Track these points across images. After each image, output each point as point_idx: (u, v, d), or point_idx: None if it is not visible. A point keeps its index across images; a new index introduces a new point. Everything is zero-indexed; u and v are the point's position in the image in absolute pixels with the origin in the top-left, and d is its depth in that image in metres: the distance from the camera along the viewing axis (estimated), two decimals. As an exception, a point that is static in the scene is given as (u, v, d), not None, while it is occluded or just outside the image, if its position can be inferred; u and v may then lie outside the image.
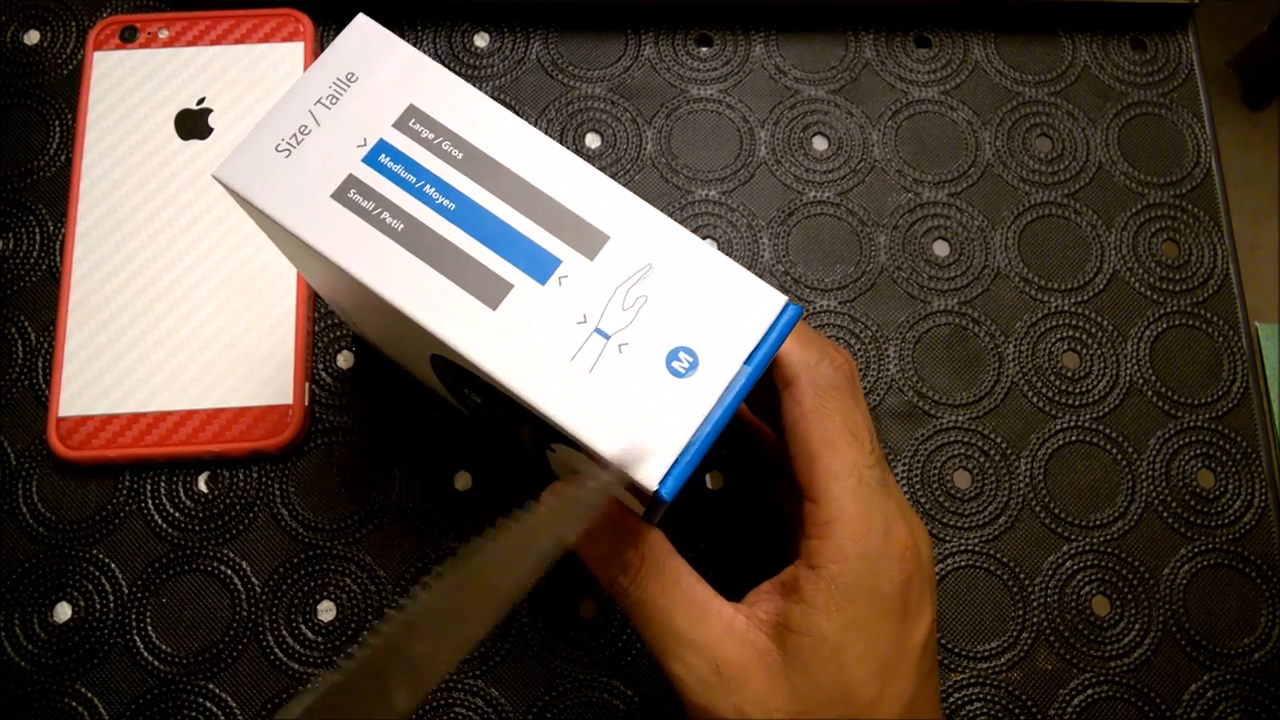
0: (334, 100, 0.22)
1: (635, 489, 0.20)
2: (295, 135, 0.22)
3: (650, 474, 0.20)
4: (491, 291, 0.21)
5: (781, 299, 0.21)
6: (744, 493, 0.33)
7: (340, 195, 0.21)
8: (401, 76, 0.22)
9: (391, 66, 0.22)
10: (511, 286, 0.21)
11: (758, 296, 0.21)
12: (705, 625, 0.23)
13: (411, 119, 0.22)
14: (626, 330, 0.21)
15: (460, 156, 0.22)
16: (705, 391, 0.20)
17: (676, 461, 0.20)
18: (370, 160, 0.22)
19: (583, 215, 0.21)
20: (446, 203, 0.21)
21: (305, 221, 0.21)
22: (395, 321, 0.22)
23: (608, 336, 0.21)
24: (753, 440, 0.31)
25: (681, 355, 0.20)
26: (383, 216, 0.21)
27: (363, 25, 0.23)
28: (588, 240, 0.21)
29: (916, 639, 0.23)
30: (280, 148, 0.22)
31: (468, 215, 0.21)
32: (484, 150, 0.22)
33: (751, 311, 0.21)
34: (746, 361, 0.21)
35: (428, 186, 0.21)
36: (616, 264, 0.21)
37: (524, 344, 0.20)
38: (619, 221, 0.21)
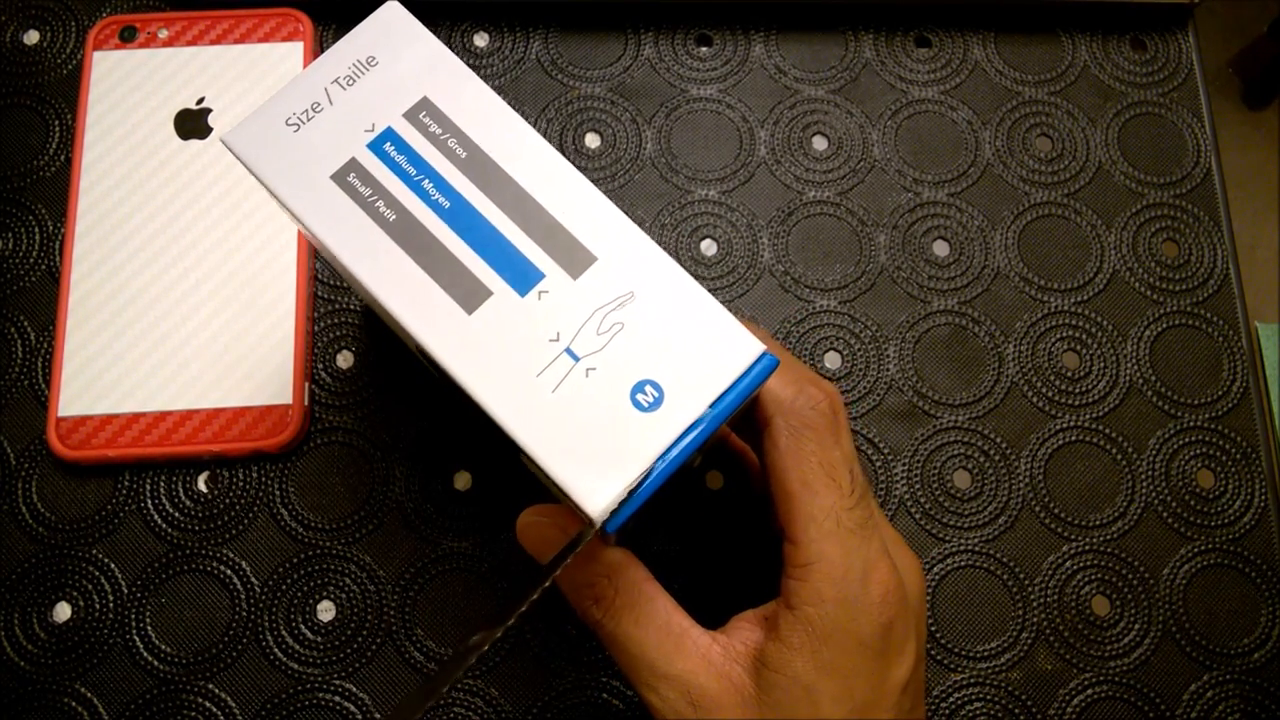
0: (350, 82, 0.22)
1: (580, 514, 0.20)
2: (307, 111, 0.22)
3: (595, 505, 0.19)
4: (470, 295, 0.21)
5: (759, 348, 0.21)
6: (746, 493, 0.33)
7: (340, 177, 0.21)
8: (421, 68, 0.22)
9: (413, 57, 0.22)
10: (490, 293, 0.21)
11: (735, 341, 0.21)
12: (681, 657, 0.23)
13: (423, 111, 0.22)
14: (597, 355, 0.20)
15: (464, 156, 0.22)
16: (665, 428, 0.20)
17: (625, 495, 0.20)
18: (375, 147, 0.22)
19: (575, 234, 0.21)
20: (442, 200, 0.21)
21: (301, 198, 0.21)
22: (380, 307, 0.22)
23: (577, 358, 0.20)
24: (738, 466, 0.30)
25: (648, 389, 0.20)
26: (377, 204, 0.21)
27: (393, 11, 0.23)
28: (575, 259, 0.21)
29: (897, 679, 0.23)
30: (290, 121, 0.22)
31: (460, 216, 0.21)
32: (489, 154, 0.22)
33: (726, 355, 0.21)
34: (712, 405, 0.20)
35: (426, 181, 0.21)
36: (599, 287, 0.21)
37: (493, 352, 0.20)
38: (610, 245, 0.21)
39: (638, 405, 0.20)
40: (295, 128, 0.22)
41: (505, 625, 0.20)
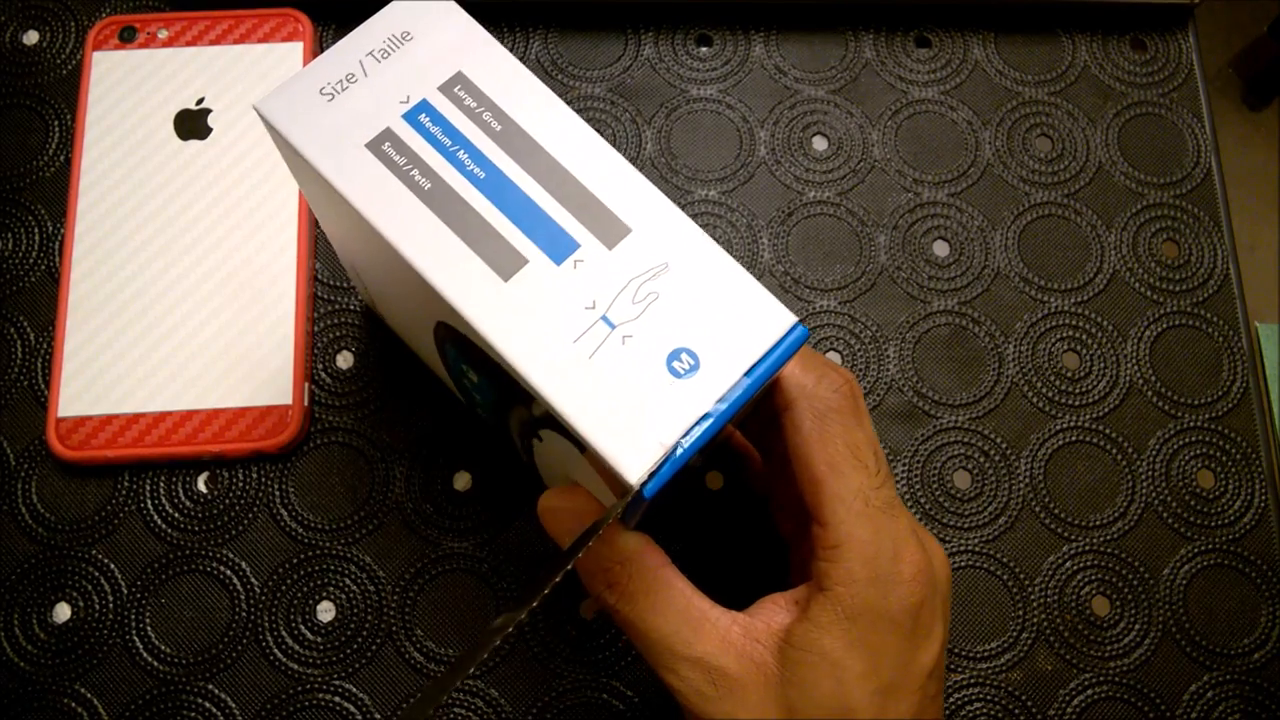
0: (385, 55, 0.22)
1: (616, 484, 0.20)
2: (342, 82, 0.22)
3: (633, 470, 0.20)
4: (506, 263, 0.21)
5: (791, 318, 0.21)
6: (746, 493, 0.33)
7: (374, 146, 0.22)
8: (456, 43, 0.22)
9: (448, 32, 0.23)
10: (526, 261, 0.21)
11: (768, 311, 0.21)
12: (700, 640, 0.23)
13: (457, 85, 0.22)
14: (633, 323, 0.21)
15: (499, 129, 0.22)
16: (701, 395, 0.20)
17: (662, 461, 0.20)
18: (410, 118, 0.22)
19: (609, 205, 0.21)
20: (477, 170, 0.22)
21: (336, 166, 0.21)
22: (405, 282, 0.22)
23: (613, 326, 0.21)
24: (738, 466, 0.30)
25: (684, 356, 0.20)
26: (412, 173, 0.21)
27: None
28: (609, 229, 0.21)
29: (924, 661, 0.23)
30: (325, 91, 0.22)
31: (496, 186, 0.21)
32: (523, 127, 0.22)
33: (760, 325, 0.21)
34: (747, 373, 0.20)
35: (461, 152, 0.22)
36: (634, 257, 0.21)
37: (529, 320, 0.20)
38: (644, 217, 0.21)
39: (674, 372, 0.20)
40: (329, 97, 0.22)
41: (529, 607, 0.20)
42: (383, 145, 0.22)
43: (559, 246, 0.21)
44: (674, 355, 0.20)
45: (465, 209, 0.21)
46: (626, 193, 0.22)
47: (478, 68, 0.22)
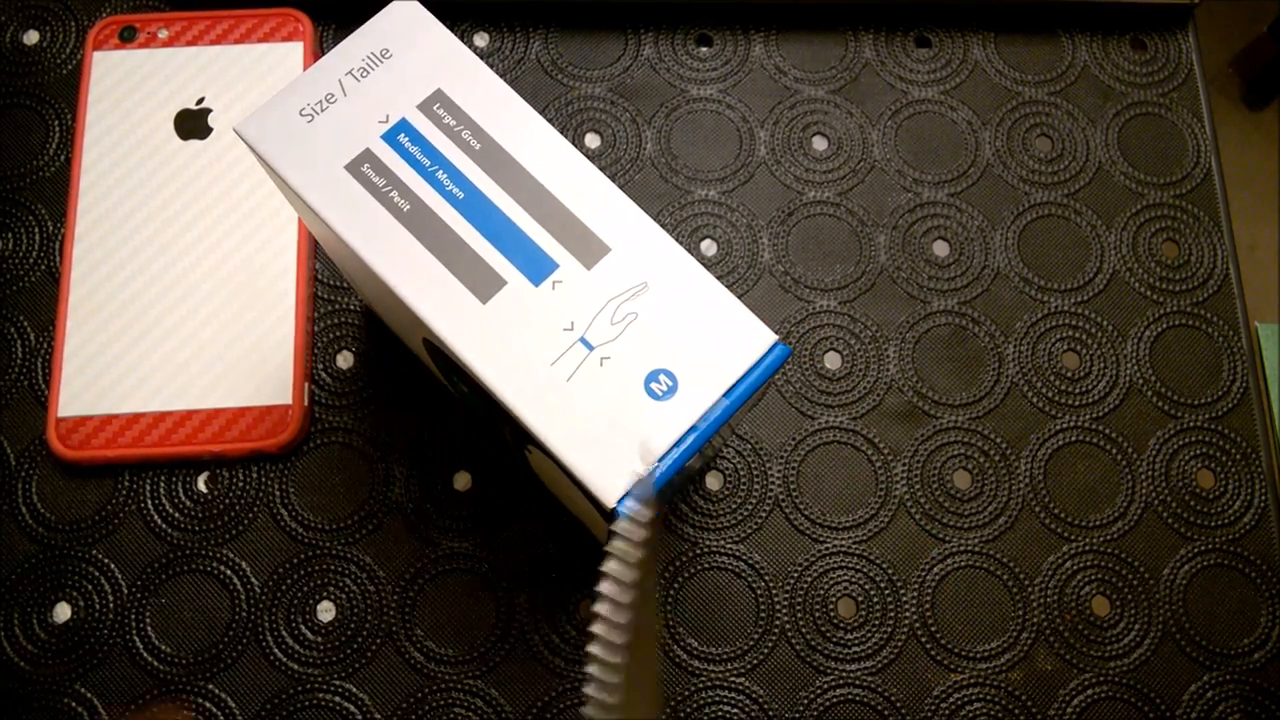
0: (364, 73, 0.22)
1: (595, 504, 0.20)
2: (321, 102, 0.22)
3: (610, 493, 0.20)
4: (484, 285, 0.21)
5: (771, 337, 0.21)
6: (744, 494, 0.33)
7: (354, 168, 0.22)
8: (435, 60, 0.22)
9: (426, 49, 0.23)
10: (505, 283, 0.21)
11: (748, 330, 0.21)
12: None
13: (436, 103, 0.22)
14: (611, 344, 0.21)
15: (478, 148, 0.22)
16: (679, 417, 0.20)
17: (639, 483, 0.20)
18: (389, 138, 0.22)
19: (588, 224, 0.21)
20: (456, 191, 0.22)
21: (316, 188, 0.21)
22: (390, 299, 0.22)
23: (591, 348, 0.21)
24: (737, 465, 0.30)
25: (661, 378, 0.20)
26: (391, 195, 0.21)
27: (407, 5, 0.23)
28: (588, 249, 0.21)
29: None
30: (304, 112, 0.22)
31: (474, 206, 0.21)
32: (502, 145, 0.22)
33: (739, 345, 0.21)
34: (726, 394, 0.20)
35: (440, 172, 0.22)
36: (613, 277, 0.21)
37: (508, 341, 0.21)
38: (623, 236, 0.21)
39: (652, 394, 0.20)
40: (309, 118, 0.22)
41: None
42: (362, 167, 0.22)
43: (537, 267, 0.21)
44: (652, 376, 0.20)
45: (444, 230, 0.21)
46: (606, 211, 0.21)
47: (457, 85, 0.22)
